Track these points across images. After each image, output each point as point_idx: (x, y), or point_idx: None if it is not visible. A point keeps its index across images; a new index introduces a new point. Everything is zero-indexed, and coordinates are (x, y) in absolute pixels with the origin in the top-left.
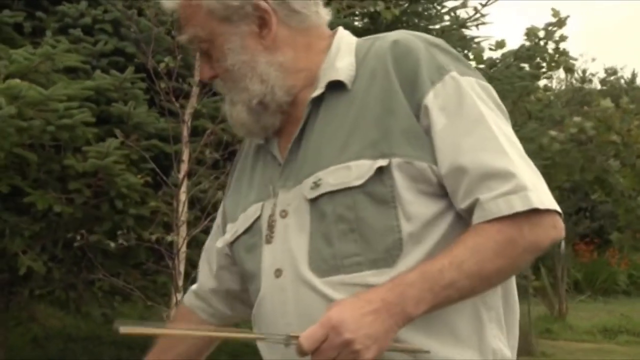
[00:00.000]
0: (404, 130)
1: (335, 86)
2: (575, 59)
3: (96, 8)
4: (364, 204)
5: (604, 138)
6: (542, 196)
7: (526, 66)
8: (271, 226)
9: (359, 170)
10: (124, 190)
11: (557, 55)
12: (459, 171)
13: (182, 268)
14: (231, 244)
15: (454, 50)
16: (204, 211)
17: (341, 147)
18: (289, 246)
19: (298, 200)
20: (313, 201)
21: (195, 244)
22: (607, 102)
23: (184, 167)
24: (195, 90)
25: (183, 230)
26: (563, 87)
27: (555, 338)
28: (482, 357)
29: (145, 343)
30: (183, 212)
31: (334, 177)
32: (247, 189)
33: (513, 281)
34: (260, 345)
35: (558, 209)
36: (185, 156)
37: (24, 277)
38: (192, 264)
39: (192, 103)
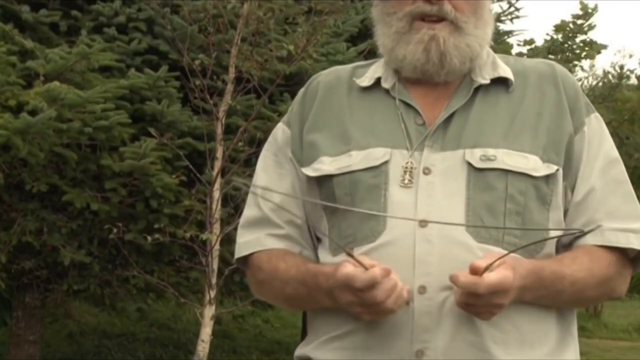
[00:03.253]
0: (566, 148)
1: (497, 81)
2: (605, 47)
3: (130, 6)
4: (532, 195)
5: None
6: None
7: (557, 59)
8: (411, 175)
9: (535, 164)
10: (159, 190)
11: (586, 47)
12: (592, 199)
13: (215, 265)
14: (331, 176)
15: None
16: (237, 209)
17: (505, 135)
18: (439, 203)
19: (452, 164)
20: (479, 171)
21: (228, 241)
22: (631, 94)
23: (218, 165)
24: (229, 88)
25: (217, 227)
26: (599, 84)
27: (590, 336)
28: None
29: (178, 340)
30: (217, 209)
31: (511, 159)
32: (357, 128)
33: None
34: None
35: None
36: (219, 153)
37: (60, 274)
38: (225, 261)
39: (227, 100)
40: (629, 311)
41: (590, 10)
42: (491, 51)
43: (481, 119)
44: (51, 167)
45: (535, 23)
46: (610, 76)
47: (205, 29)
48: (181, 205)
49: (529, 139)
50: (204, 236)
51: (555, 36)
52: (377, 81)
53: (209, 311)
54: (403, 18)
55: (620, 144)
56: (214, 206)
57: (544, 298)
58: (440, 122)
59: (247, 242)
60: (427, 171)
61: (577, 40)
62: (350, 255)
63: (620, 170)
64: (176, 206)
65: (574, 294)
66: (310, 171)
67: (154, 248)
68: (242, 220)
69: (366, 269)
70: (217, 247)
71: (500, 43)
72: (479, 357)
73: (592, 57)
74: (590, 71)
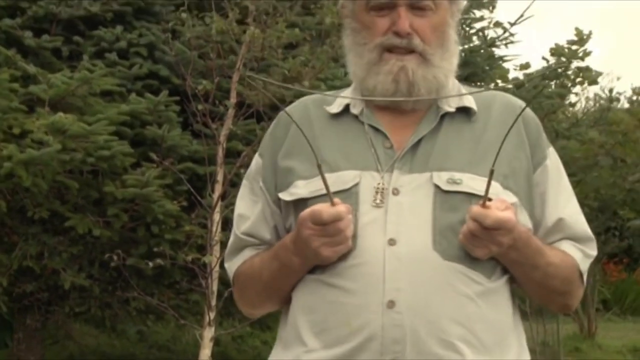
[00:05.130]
0: (524, 177)
1: (462, 110)
2: (600, 73)
3: (131, 32)
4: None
5: (630, 155)
6: None
7: (552, 85)
8: (382, 195)
9: (496, 190)
10: (160, 216)
11: (581, 72)
12: (574, 218)
13: (215, 287)
14: (306, 199)
15: None
16: None
17: (469, 160)
18: (407, 222)
19: (420, 186)
20: (446, 193)
21: None
22: (622, 114)
23: (219, 188)
24: (230, 112)
25: (216, 250)
26: (591, 107)
27: (585, 357)
28: None
29: None
30: (217, 232)
31: (475, 183)
32: (328, 152)
33: None
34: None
35: None
36: (220, 177)
37: (61, 296)
38: (224, 283)
39: (228, 125)
40: (622, 333)
41: (584, 37)
42: (456, 81)
43: (447, 144)
44: (53, 193)
45: (529, 49)
46: (601, 99)
47: (207, 55)
48: (182, 231)
49: (491, 165)
50: (205, 259)
51: (550, 60)
52: (346, 107)
53: (209, 332)
54: (374, 49)
55: (614, 166)
56: (214, 229)
57: (522, 265)
58: (409, 146)
59: (230, 265)
60: (396, 192)
61: (573, 66)
62: (325, 184)
63: (575, 200)
64: (177, 231)
65: (545, 275)
66: (286, 196)
67: (154, 271)
68: (227, 249)
69: (333, 204)
70: (217, 269)
71: (496, 67)
72: None
73: (592, 83)
74: (582, 94)
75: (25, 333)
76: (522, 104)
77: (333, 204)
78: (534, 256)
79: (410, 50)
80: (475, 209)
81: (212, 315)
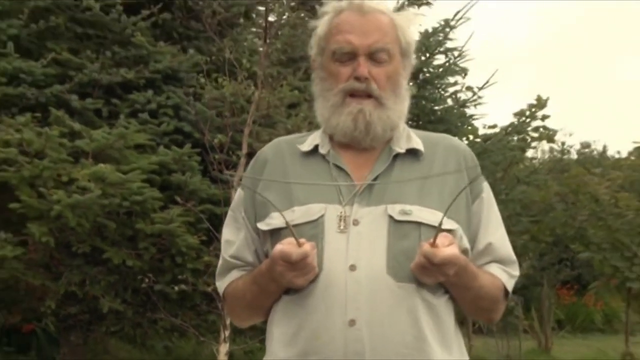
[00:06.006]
0: (465, 208)
1: (411, 151)
2: (556, 131)
3: (160, 95)
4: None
5: (580, 199)
6: None
7: (515, 139)
8: (345, 222)
9: (439, 218)
10: (183, 248)
11: (540, 129)
12: (501, 243)
13: None
14: (280, 229)
15: None
16: None
17: (418, 194)
18: (366, 249)
19: (376, 217)
20: (398, 222)
21: None
22: (579, 169)
23: None
24: (242, 161)
25: None
26: (547, 157)
27: None
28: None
29: None
30: None
31: (423, 214)
32: (299, 187)
33: None
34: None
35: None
36: None
37: (100, 317)
38: None
39: (240, 172)
40: (574, 348)
41: (543, 101)
42: (406, 126)
43: (399, 180)
44: (94, 231)
45: (495, 109)
46: (555, 151)
47: (222, 113)
48: (202, 261)
49: (436, 198)
50: None
51: (514, 120)
52: (316, 147)
53: (224, 348)
54: (338, 93)
55: (566, 208)
56: None
57: (459, 287)
58: (367, 184)
59: (220, 284)
60: (356, 222)
61: (533, 125)
62: (292, 231)
63: (504, 230)
64: (197, 261)
65: (476, 296)
66: (263, 225)
67: (178, 295)
68: (217, 269)
69: (300, 245)
70: None
71: (468, 125)
72: None
73: (550, 141)
74: (540, 147)
75: (70, 348)
76: (464, 146)
77: (300, 245)
78: (470, 280)
79: (368, 95)
80: (426, 247)
81: (227, 333)
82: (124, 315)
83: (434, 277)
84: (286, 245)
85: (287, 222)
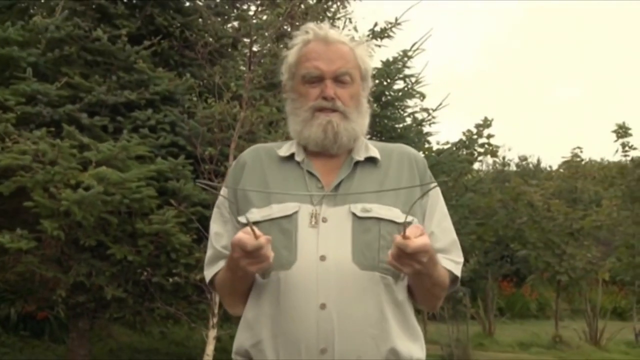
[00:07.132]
0: (418, 204)
1: (369, 159)
2: (499, 147)
3: (159, 113)
4: (396, 234)
5: (519, 205)
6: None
7: (464, 153)
8: (316, 219)
9: (397, 214)
10: (177, 245)
11: (485, 145)
12: (442, 233)
13: (217, 299)
14: (258, 222)
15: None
16: None
17: (377, 195)
18: (333, 242)
19: (342, 215)
20: (361, 219)
21: None
22: (518, 180)
23: None
24: (229, 171)
25: None
26: (490, 169)
27: (486, 350)
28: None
29: (190, 355)
30: None
31: (382, 211)
32: (276, 188)
33: None
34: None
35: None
36: None
37: (105, 305)
38: None
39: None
40: (513, 332)
41: (488, 122)
42: (365, 139)
43: (360, 184)
44: (99, 227)
45: (447, 127)
46: (497, 164)
47: (212, 129)
48: (193, 257)
49: (393, 197)
50: None
51: (463, 137)
52: (292, 155)
53: (212, 333)
54: (308, 110)
55: (507, 212)
56: None
57: (423, 275)
58: (333, 187)
59: (208, 273)
60: (324, 220)
61: (479, 141)
62: (251, 226)
63: (449, 221)
64: (189, 257)
65: (432, 284)
66: (244, 219)
67: (173, 287)
68: (205, 260)
69: (256, 237)
70: None
71: (424, 141)
72: (377, 347)
73: (493, 156)
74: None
75: (78, 333)
76: (415, 151)
77: (257, 237)
78: (432, 268)
79: (335, 110)
80: (398, 239)
81: (215, 320)
82: (125, 303)
83: (411, 266)
84: (244, 235)
85: (247, 218)
